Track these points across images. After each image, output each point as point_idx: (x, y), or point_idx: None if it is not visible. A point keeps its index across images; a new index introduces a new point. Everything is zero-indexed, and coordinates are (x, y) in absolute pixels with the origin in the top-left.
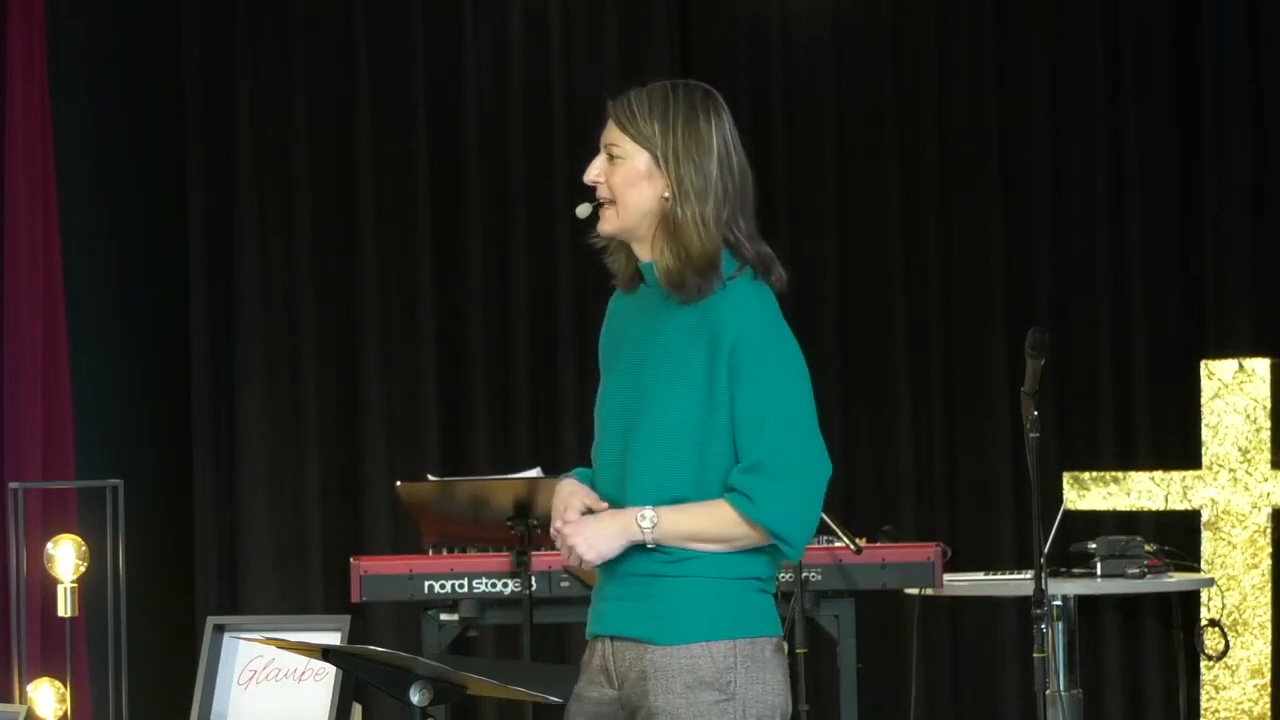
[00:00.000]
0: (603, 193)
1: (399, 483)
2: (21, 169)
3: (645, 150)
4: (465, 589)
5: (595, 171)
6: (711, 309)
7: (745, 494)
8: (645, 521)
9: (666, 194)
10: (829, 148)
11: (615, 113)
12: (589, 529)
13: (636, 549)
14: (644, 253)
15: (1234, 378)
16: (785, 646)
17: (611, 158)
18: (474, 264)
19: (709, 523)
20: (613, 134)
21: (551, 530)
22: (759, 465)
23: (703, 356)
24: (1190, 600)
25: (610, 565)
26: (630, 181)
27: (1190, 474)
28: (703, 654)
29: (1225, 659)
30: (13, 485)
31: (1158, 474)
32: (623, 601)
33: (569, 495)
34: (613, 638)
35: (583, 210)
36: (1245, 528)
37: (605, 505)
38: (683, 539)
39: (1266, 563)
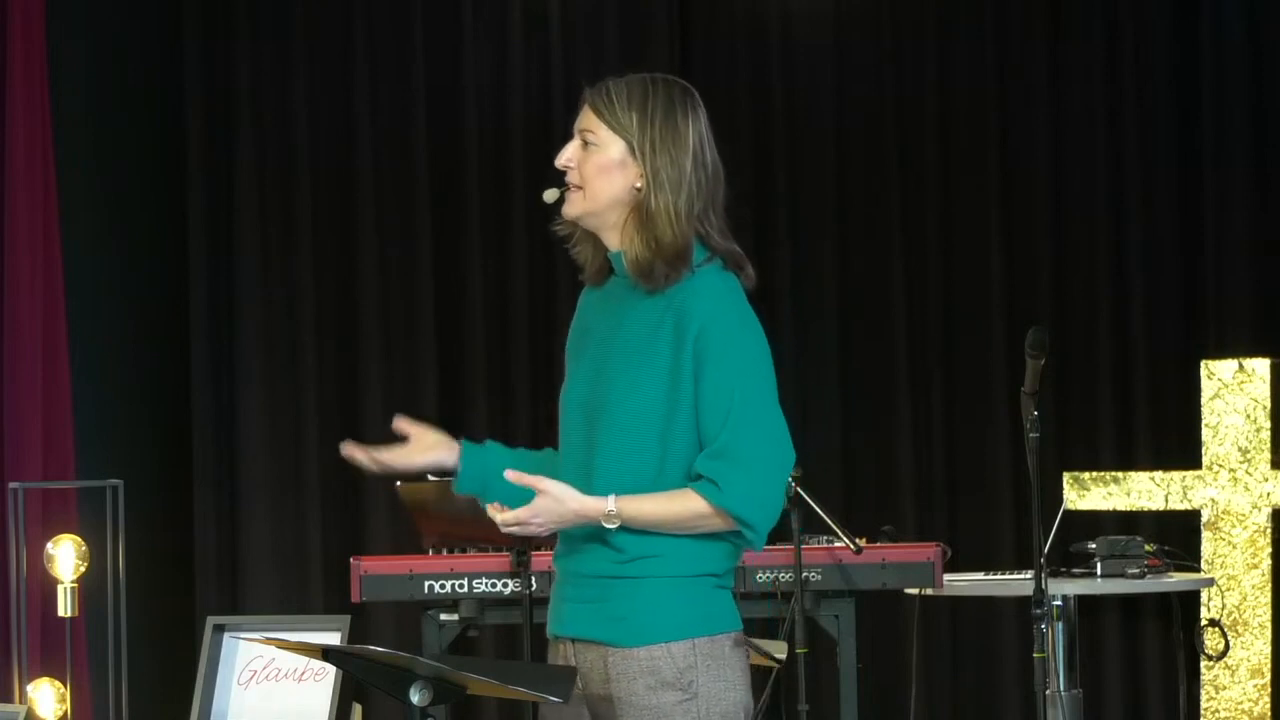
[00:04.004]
0: (572, 177)
1: (399, 483)
2: (21, 169)
3: (621, 139)
4: (465, 589)
5: (567, 156)
6: (677, 296)
7: (712, 480)
8: (608, 523)
9: (639, 184)
10: (829, 147)
11: (593, 100)
12: (550, 515)
13: (594, 549)
14: (613, 241)
15: (1234, 378)
16: (745, 639)
17: (585, 144)
18: (474, 263)
19: (673, 515)
20: (589, 120)
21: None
22: (725, 451)
23: (668, 343)
24: (1190, 600)
25: (568, 565)
26: (602, 169)
27: (1190, 474)
28: (663, 654)
29: (1225, 659)
30: (13, 485)
31: (1158, 474)
32: (581, 604)
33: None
34: (574, 639)
35: (550, 195)
36: (1245, 528)
37: (532, 477)
38: (647, 526)
39: (1266, 563)
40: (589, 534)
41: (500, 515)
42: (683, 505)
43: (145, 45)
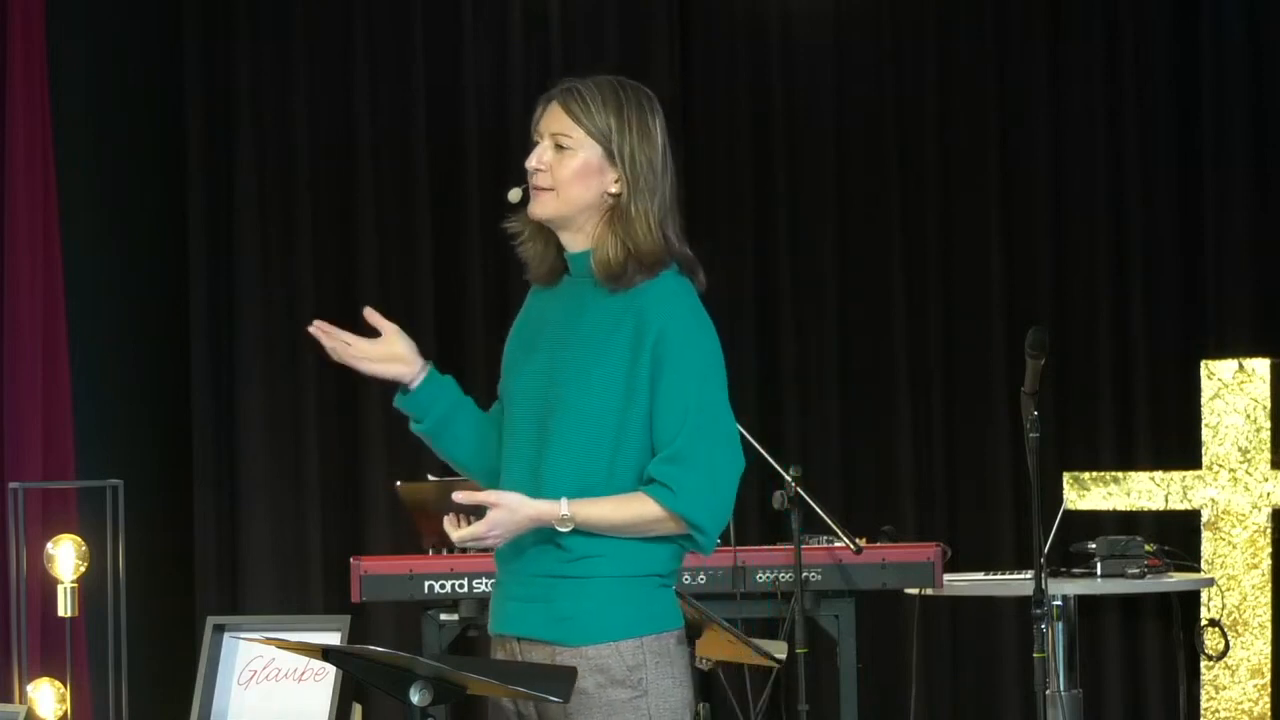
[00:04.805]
0: (544, 180)
1: (399, 483)
2: (21, 169)
3: (598, 144)
4: (465, 589)
5: (545, 158)
6: (637, 298)
7: (665, 484)
8: (562, 526)
9: (613, 188)
10: (829, 147)
11: (567, 103)
12: (506, 527)
13: (540, 548)
14: (576, 243)
15: (1234, 378)
16: (686, 638)
17: (560, 148)
18: (474, 264)
19: (625, 518)
20: (562, 124)
21: (456, 535)
22: (679, 456)
23: (626, 343)
24: (1190, 600)
25: (512, 564)
26: (581, 174)
27: (1190, 474)
28: (611, 653)
29: (1225, 659)
30: (13, 485)
31: (1158, 474)
32: (527, 602)
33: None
34: (519, 638)
35: (515, 195)
36: (1245, 528)
37: (483, 490)
38: (599, 529)
39: (1266, 563)
40: (535, 533)
41: (456, 533)
42: (636, 508)
43: (145, 45)
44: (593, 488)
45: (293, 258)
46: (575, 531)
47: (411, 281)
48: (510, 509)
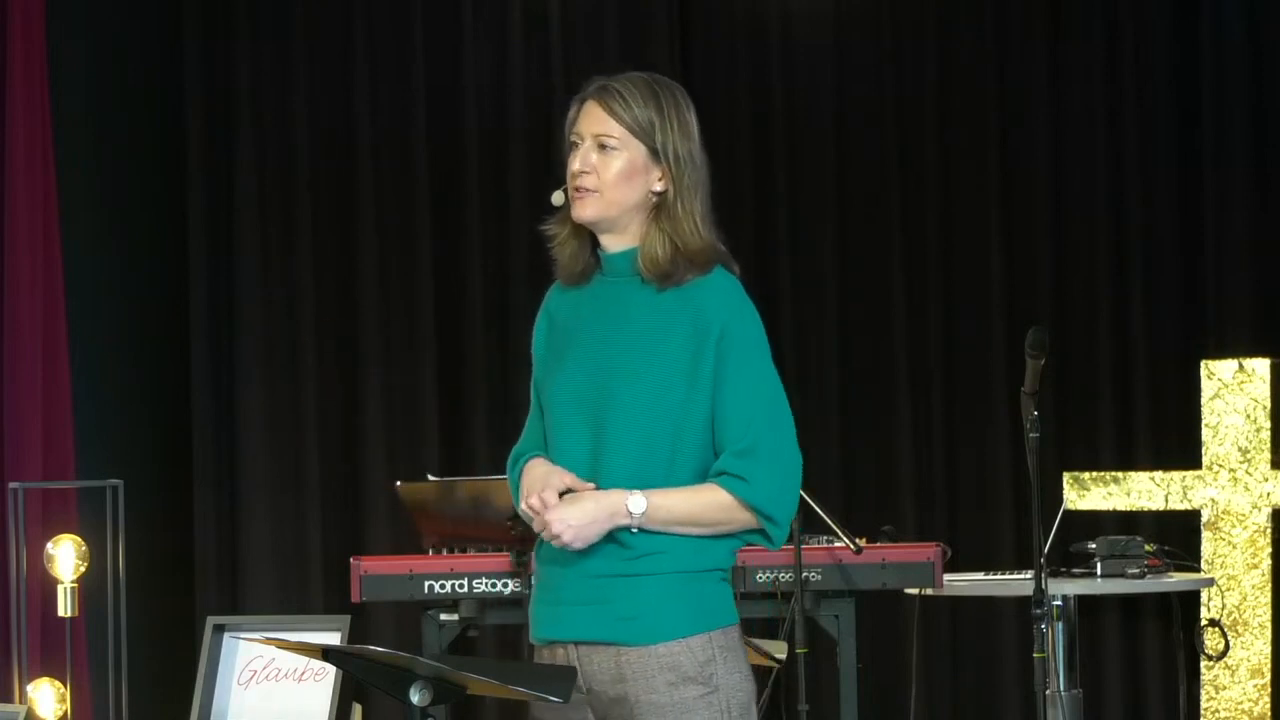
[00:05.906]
0: (590, 182)
1: (399, 483)
2: (21, 169)
3: (642, 143)
4: (465, 589)
5: (589, 160)
6: (692, 294)
7: (740, 476)
8: (634, 507)
9: (658, 186)
10: (829, 148)
11: (606, 102)
12: (571, 512)
13: (600, 547)
14: (618, 243)
15: (1234, 378)
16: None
17: (603, 148)
18: (474, 264)
19: (700, 507)
20: (604, 124)
21: (522, 507)
22: (753, 450)
23: (685, 339)
24: (1190, 600)
25: (565, 567)
26: (626, 174)
27: (1190, 474)
28: (682, 650)
29: (1225, 659)
30: (13, 485)
31: (1158, 474)
32: (585, 605)
33: (547, 475)
34: (577, 643)
35: (558, 198)
36: (1245, 528)
37: (591, 485)
38: (670, 524)
39: (1266, 563)
40: None
41: (541, 526)
42: (709, 497)
43: (145, 45)
44: (652, 483)
45: (293, 258)
46: (639, 530)
47: (411, 281)
48: (579, 502)
